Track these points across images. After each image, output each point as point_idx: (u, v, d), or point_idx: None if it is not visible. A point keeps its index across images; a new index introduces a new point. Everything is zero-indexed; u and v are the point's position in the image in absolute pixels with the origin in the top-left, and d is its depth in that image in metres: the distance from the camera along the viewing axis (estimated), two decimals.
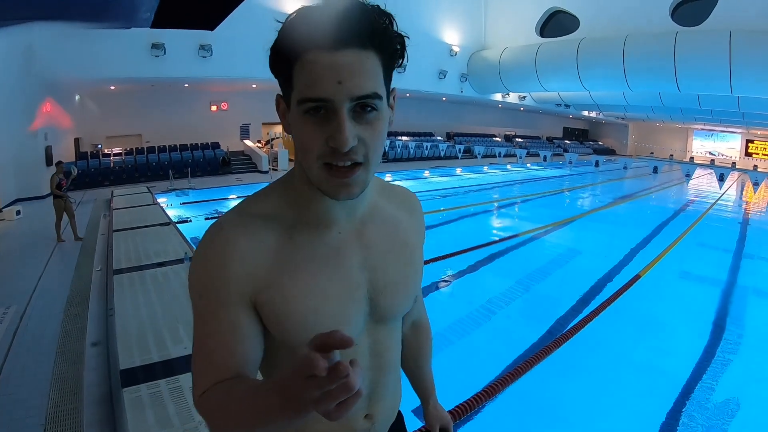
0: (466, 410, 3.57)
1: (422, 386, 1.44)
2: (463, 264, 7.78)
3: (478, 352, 5.13)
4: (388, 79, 0.83)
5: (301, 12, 0.79)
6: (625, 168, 25.95)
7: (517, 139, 36.63)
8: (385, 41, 0.79)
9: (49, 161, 14.73)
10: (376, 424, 1.08)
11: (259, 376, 0.95)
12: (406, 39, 0.84)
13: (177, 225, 9.35)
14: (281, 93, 0.86)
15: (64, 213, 8.91)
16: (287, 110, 0.86)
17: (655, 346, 5.37)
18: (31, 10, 8.89)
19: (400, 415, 1.26)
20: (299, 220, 0.93)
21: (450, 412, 3.34)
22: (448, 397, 3.57)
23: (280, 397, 0.66)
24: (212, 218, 11.19)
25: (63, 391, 3.55)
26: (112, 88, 18.73)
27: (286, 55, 0.78)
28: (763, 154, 36.34)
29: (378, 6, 0.80)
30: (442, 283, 7.02)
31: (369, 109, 0.80)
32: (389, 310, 1.02)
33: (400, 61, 0.85)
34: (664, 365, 4.92)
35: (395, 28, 0.82)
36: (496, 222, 12.37)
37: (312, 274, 0.91)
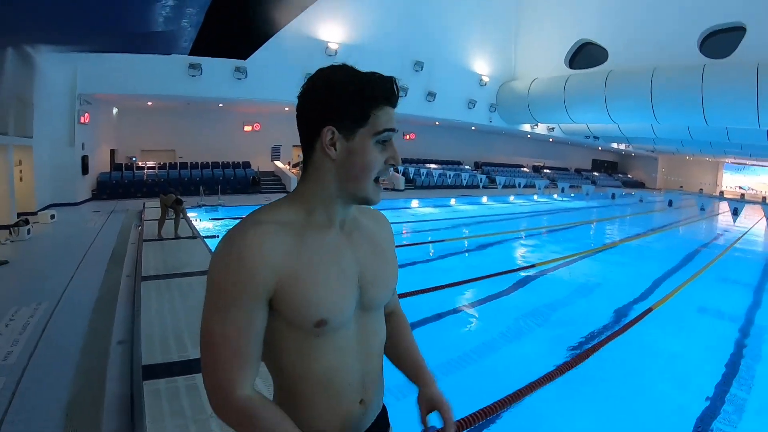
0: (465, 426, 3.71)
1: (413, 369, 1.43)
2: (481, 291, 7.92)
3: (491, 378, 5.18)
4: None
5: (368, 75, 1.12)
6: (641, 201, 25.72)
7: (545, 170, 36.57)
8: None
9: (85, 170, 15.30)
10: (369, 409, 1.25)
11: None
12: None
13: (204, 239, 9.65)
14: (337, 127, 1.11)
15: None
16: (344, 140, 1.12)
17: (668, 379, 5.34)
18: (81, 42, 9.49)
19: (384, 409, 1.38)
20: (309, 224, 1.15)
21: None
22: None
23: None
24: None
25: (87, 380, 3.77)
26: (150, 104, 19.40)
27: (373, 102, 1.11)
28: None
29: None
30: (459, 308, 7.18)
31: None
32: (375, 298, 1.24)
33: None
34: (677, 398, 4.89)
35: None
36: (509, 251, 12.40)
37: (320, 266, 1.12)
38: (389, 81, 1.13)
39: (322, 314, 1.09)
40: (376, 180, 1.15)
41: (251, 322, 1.06)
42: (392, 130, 1.14)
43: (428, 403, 1.34)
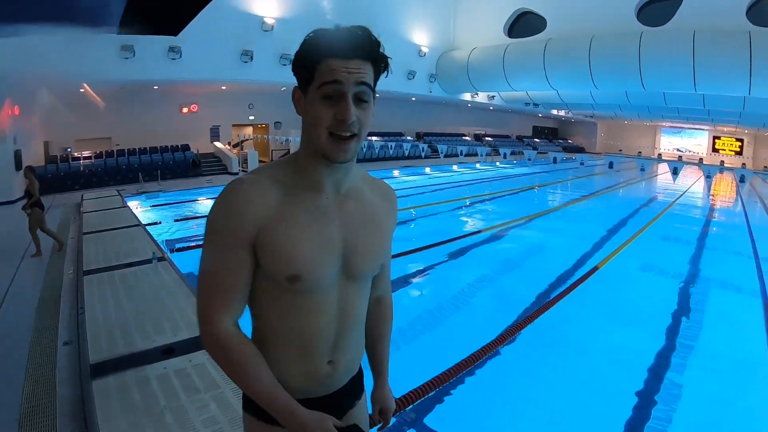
0: (421, 394, 3.78)
1: (375, 362, 1.57)
2: (431, 258, 8.03)
3: (443, 342, 5.30)
4: (375, 83, 1.19)
5: (321, 32, 1.15)
6: (582, 164, 26.57)
7: (486, 138, 37.03)
8: (377, 59, 1.17)
9: (18, 165, 14.55)
10: (338, 370, 1.34)
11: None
12: (390, 60, 1.22)
13: (146, 227, 9.37)
14: (299, 86, 1.20)
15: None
16: (303, 98, 1.20)
17: (614, 335, 5.56)
18: None
19: (360, 372, 1.50)
20: (299, 184, 1.24)
21: (411, 393, 3.58)
22: (411, 382, 3.78)
23: (291, 418, 1.17)
24: (181, 220, 11.23)
25: (36, 386, 3.66)
26: (82, 90, 18.53)
27: (314, 58, 1.13)
28: (729, 150, 37.47)
29: (372, 34, 1.16)
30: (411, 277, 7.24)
31: (364, 101, 1.16)
32: (358, 268, 1.30)
33: (386, 74, 1.22)
34: (623, 357, 5.05)
35: (383, 50, 1.18)
36: (455, 219, 12.63)
37: (302, 224, 1.21)
38: (337, 32, 1.14)
39: (295, 269, 1.18)
40: (333, 135, 1.15)
41: (235, 262, 1.19)
42: (332, 82, 1.12)
43: (381, 403, 1.53)
